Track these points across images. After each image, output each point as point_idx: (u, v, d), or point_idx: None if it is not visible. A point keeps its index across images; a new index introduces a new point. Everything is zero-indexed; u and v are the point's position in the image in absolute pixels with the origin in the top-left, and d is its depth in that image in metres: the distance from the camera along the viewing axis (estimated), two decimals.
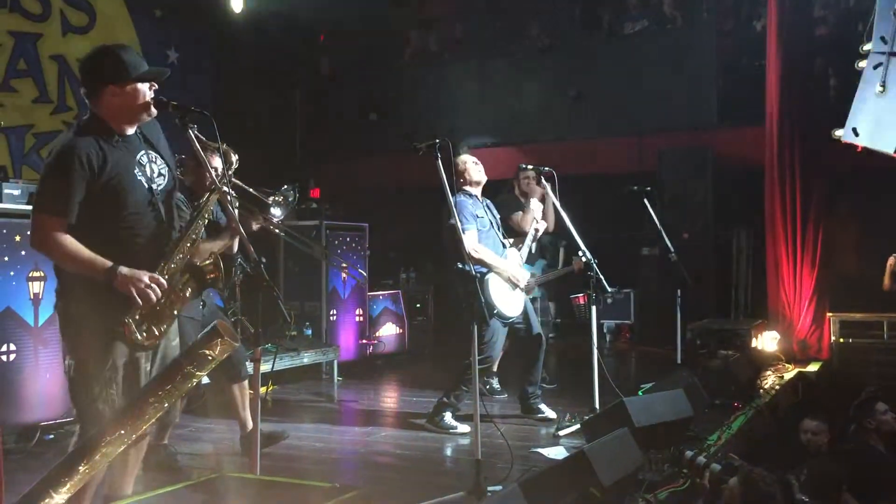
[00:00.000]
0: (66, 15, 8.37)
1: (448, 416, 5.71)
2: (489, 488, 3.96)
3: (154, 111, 3.27)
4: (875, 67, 7.53)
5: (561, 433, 5.46)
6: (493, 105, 10.98)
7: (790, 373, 7.48)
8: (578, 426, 5.32)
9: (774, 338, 8.28)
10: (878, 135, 7.53)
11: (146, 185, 3.22)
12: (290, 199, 4.98)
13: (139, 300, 3.03)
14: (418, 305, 9.68)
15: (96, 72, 3.22)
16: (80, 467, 2.51)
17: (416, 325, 9.53)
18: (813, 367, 7.94)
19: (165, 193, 3.31)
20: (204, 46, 9.74)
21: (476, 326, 4.22)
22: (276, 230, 5.35)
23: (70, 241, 3.05)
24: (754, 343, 8.04)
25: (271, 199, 4.92)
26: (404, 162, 9.99)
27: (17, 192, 5.50)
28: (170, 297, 3.15)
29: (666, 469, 4.31)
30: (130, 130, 3.25)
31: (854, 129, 7.58)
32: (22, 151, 7.96)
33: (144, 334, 3.09)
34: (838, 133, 7.68)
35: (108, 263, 3.04)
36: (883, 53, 7.44)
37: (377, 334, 8.80)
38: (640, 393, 5.78)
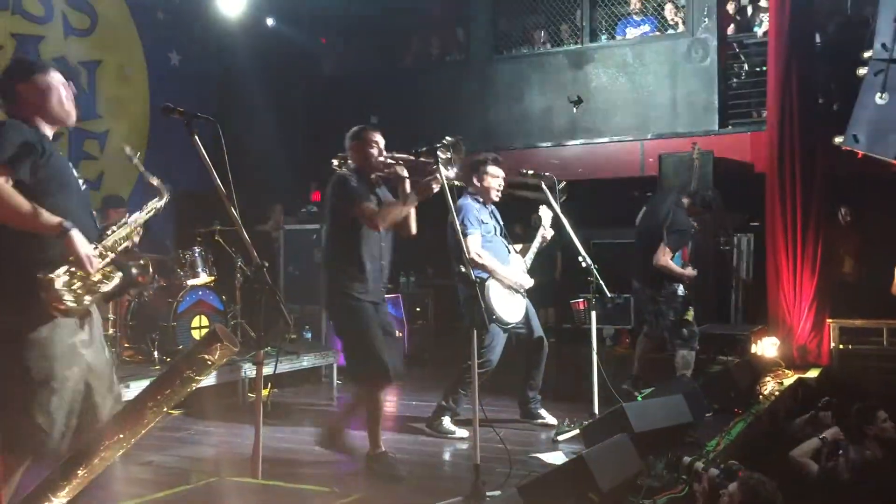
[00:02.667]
0: (68, 17, 8.37)
1: (447, 421, 5.70)
2: (488, 493, 3.96)
3: (73, 118, 3.30)
4: (876, 74, 7.55)
5: (560, 438, 5.46)
6: (494, 109, 11.00)
7: (790, 379, 7.48)
8: (577, 431, 5.32)
9: (774, 343, 8.28)
10: (878, 141, 7.56)
11: (82, 183, 3.29)
12: (460, 150, 4.61)
13: (85, 264, 3.02)
14: (418, 309, 9.67)
15: (5, 74, 3.27)
16: (79, 471, 2.51)
17: (416, 328, 9.52)
18: (813, 374, 7.94)
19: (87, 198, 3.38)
20: (206, 48, 9.74)
21: (476, 331, 4.20)
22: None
23: (16, 193, 2.97)
24: (754, 349, 8.04)
25: (437, 152, 4.50)
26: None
27: None
28: (100, 278, 3.15)
29: (665, 475, 4.31)
30: (50, 132, 3.25)
31: (855, 136, 7.61)
32: None
33: (71, 297, 3.03)
34: (839, 139, 7.71)
35: (59, 218, 3.01)
36: (883, 60, 7.47)
37: None
38: (639, 398, 5.78)
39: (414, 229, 4.89)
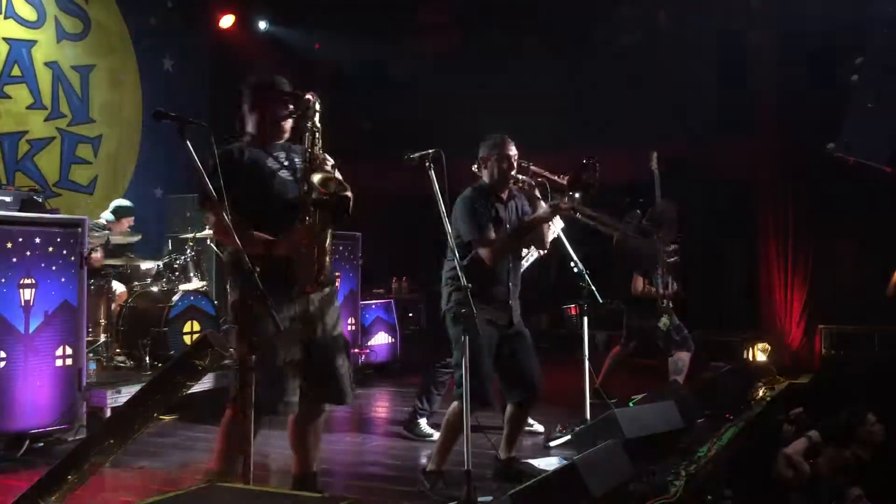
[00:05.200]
0: (61, 22, 8.36)
1: (424, 424, 5.71)
2: (480, 499, 3.96)
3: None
4: (868, 81, 7.59)
5: (552, 444, 5.46)
6: (488, 115, 11.00)
7: (781, 385, 7.49)
8: (569, 437, 5.33)
9: (766, 349, 8.31)
10: (870, 148, 7.59)
11: None
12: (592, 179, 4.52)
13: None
14: (411, 314, 9.66)
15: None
16: (69, 476, 2.51)
17: (408, 334, 9.51)
18: (804, 380, 7.96)
19: None
20: (199, 54, 9.74)
21: (468, 337, 4.17)
22: (581, 216, 5.01)
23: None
24: (746, 355, 8.06)
25: (564, 178, 4.55)
26: (397, 171, 10.01)
27: (8, 199, 5.49)
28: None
29: (656, 480, 4.32)
30: None
31: (847, 143, 7.63)
32: (15, 158, 7.95)
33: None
34: (831, 146, 7.74)
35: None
36: (876, 67, 7.50)
37: (369, 343, 8.78)
38: (630, 404, 5.79)
39: (547, 245, 4.72)
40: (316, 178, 3.59)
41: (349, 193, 3.59)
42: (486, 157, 4.61)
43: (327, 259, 3.66)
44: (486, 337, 4.34)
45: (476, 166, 4.71)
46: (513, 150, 4.59)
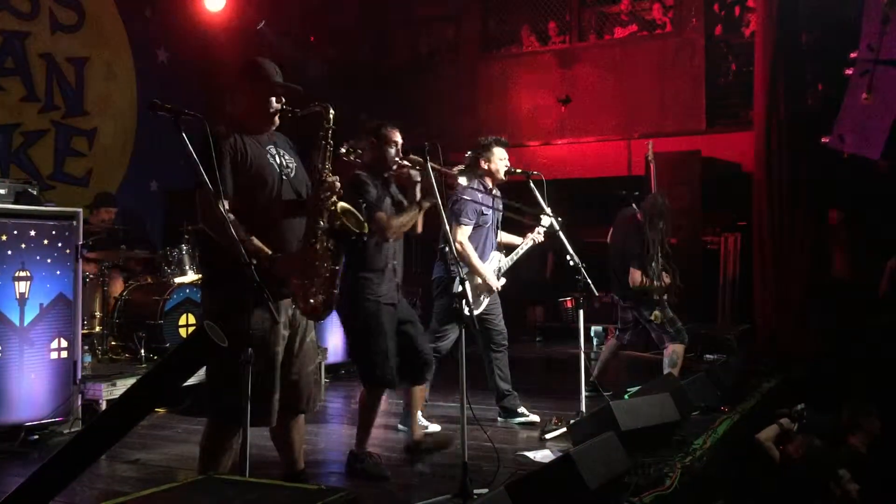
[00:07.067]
0: (55, 13, 8.32)
1: (418, 415, 5.70)
2: (475, 491, 3.96)
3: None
4: (862, 75, 7.60)
5: (547, 436, 5.47)
6: (483, 108, 11.01)
7: (776, 378, 7.51)
8: (565, 429, 5.34)
9: (760, 343, 8.32)
10: (864, 141, 7.60)
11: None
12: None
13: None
14: None
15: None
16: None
17: None
18: (797, 373, 7.97)
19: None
20: (194, 46, 9.69)
21: (463, 326, 4.16)
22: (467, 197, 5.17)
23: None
24: (740, 348, 8.07)
25: (455, 169, 4.85)
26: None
27: (3, 191, 5.46)
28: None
29: (652, 472, 4.33)
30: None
31: (841, 136, 7.65)
32: (9, 150, 7.92)
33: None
34: (825, 139, 7.76)
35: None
36: (869, 61, 7.51)
37: None
38: (626, 397, 5.80)
39: (420, 228, 4.81)
40: (341, 205, 3.45)
41: (366, 231, 3.51)
42: (372, 140, 4.71)
43: (335, 292, 3.48)
44: (387, 318, 4.52)
45: (344, 149, 4.84)
46: (397, 137, 4.71)
